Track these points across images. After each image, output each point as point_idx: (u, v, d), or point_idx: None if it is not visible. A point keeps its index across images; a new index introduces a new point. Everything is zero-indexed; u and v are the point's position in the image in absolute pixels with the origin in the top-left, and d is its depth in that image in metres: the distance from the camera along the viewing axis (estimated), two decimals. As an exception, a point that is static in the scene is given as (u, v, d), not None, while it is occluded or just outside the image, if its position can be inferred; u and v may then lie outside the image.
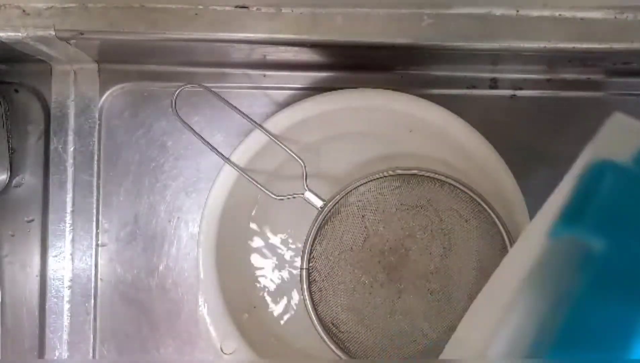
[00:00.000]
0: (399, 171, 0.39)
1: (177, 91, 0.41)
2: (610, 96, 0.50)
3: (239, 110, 0.41)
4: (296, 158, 0.40)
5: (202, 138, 0.41)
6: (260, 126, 0.41)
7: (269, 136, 0.41)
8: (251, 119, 0.41)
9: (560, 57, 0.44)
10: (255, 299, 0.47)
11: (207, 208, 0.43)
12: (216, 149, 0.41)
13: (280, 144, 0.40)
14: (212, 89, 0.41)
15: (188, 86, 0.41)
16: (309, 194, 0.40)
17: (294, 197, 0.40)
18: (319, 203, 0.40)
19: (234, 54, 0.47)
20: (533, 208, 0.49)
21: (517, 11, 0.41)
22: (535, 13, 0.41)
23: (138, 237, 0.49)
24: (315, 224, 0.39)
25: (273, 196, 0.40)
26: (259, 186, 0.40)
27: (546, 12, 0.41)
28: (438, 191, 0.41)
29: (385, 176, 0.39)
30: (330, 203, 0.39)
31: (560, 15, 0.41)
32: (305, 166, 0.40)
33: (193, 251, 0.49)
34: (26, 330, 0.49)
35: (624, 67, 0.47)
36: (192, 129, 0.41)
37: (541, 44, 0.41)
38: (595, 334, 0.22)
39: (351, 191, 0.39)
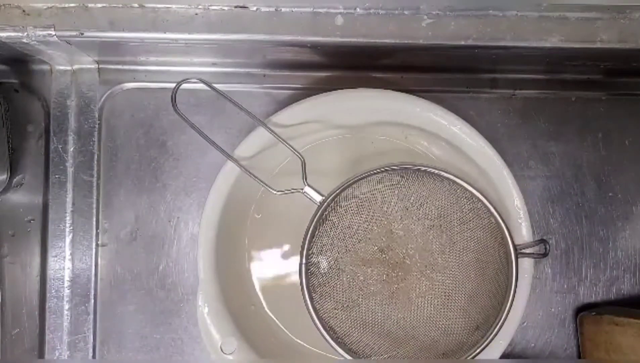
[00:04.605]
0: (398, 167, 0.39)
1: (177, 86, 0.40)
2: (610, 96, 0.50)
3: (240, 105, 0.41)
4: (295, 153, 0.40)
5: (201, 131, 0.41)
6: (261, 121, 0.41)
7: (269, 130, 0.41)
8: (252, 114, 0.41)
9: (560, 57, 0.44)
10: (255, 298, 0.47)
11: (207, 207, 0.43)
12: (216, 144, 0.41)
13: (281, 139, 0.40)
14: (212, 85, 0.41)
15: (187, 80, 0.41)
16: (308, 189, 0.40)
17: (292, 192, 0.40)
18: (318, 198, 0.40)
19: (234, 54, 0.47)
20: (533, 208, 0.49)
21: (517, 11, 0.41)
22: (535, 13, 0.41)
23: (138, 237, 0.49)
24: (315, 219, 0.39)
25: (273, 191, 0.40)
26: (258, 180, 0.40)
27: (546, 12, 0.41)
28: (437, 186, 0.41)
29: (384, 172, 0.39)
30: (330, 198, 0.39)
31: (560, 15, 0.41)
32: (304, 161, 0.40)
33: (193, 251, 0.49)
34: (26, 330, 0.49)
35: (624, 67, 0.47)
36: (192, 124, 0.41)
37: (541, 44, 0.41)
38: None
39: (350, 186, 0.39)
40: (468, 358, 0.39)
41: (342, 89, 0.44)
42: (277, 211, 0.47)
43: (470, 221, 0.41)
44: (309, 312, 0.39)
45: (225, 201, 0.43)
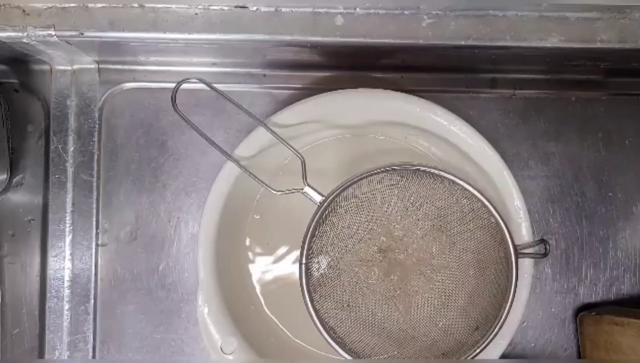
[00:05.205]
0: (398, 167, 0.39)
1: (177, 86, 0.40)
2: (610, 96, 0.50)
3: (240, 105, 0.41)
4: (295, 153, 0.40)
5: (201, 131, 0.41)
6: (261, 121, 0.41)
7: (269, 130, 0.41)
8: (252, 114, 0.41)
9: (560, 57, 0.44)
10: (255, 298, 0.47)
11: (207, 207, 0.43)
12: (216, 144, 0.41)
13: (281, 139, 0.40)
14: (212, 85, 0.41)
15: (187, 80, 0.41)
16: (308, 190, 0.40)
17: (292, 192, 0.40)
18: (318, 198, 0.40)
19: (234, 54, 0.47)
20: (533, 208, 0.49)
21: (517, 11, 0.41)
22: (535, 13, 0.41)
23: (138, 237, 0.49)
24: (314, 219, 0.39)
25: (273, 191, 0.40)
26: (258, 180, 0.40)
27: (546, 12, 0.41)
28: (437, 186, 0.41)
29: (384, 172, 0.39)
30: (330, 198, 0.39)
31: (560, 15, 0.41)
32: (304, 161, 0.40)
33: (193, 251, 0.49)
34: (26, 330, 0.49)
35: (624, 67, 0.47)
36: (192, 124, 0.41)
37: (541, 44, 0.41)
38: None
39: (350, 186, 0.39)
40: (468, 358, 0.39)
41: (342, 89, 0.44)
42: (277, 211, 0.47)
43: (470, 221, 0.41)
44: (309, 312, 0.39)
45: (225, 201, 0.43)
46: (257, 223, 0.47)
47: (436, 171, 0.39)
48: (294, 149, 0.40)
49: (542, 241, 0.39)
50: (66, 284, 0.49)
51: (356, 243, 0.42)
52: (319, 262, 0.40)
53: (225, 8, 0.41)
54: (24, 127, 0.50)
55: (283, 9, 0.41)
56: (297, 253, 0.39)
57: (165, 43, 0.43)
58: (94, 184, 0.49)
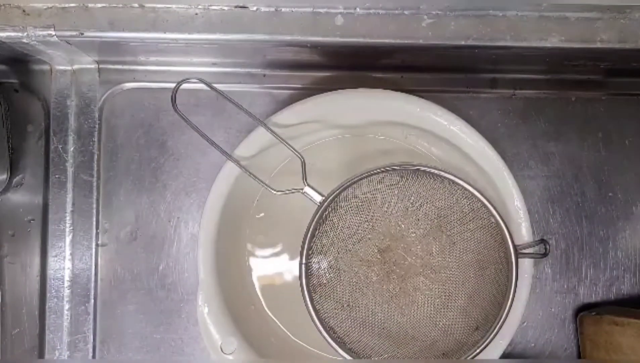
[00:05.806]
0: (398, 167, 0.39)
1: (177, 86, 0.41)
2: (610, 96, 0.50)
3: (240, 105, 0.41)
4: (295, 153, 0.40)
5: (201, 131, 0.41)
6: (261, 121, 0.41)
7: (269, 130, 0.41)
8: (252, 114, 0.41)
9: (560, 57, 0.44)
10: (255, 298, 0.47)
11: (207, 207, 0.43)
12: (216, 144, 0.41)
13: (281, 139, 0.40)
14: (212, 85, 0.41)
15: (187, 80, 0.41)
16: (308, 189, 0.40)
17: (292, 192, 0.40)
18: (318, 198, 0.40)
19: (234, 54, 0.47)
20: (533, 208, 0.49)
21: (517, 11, 0.41)
22: (535, 13, 0.41)
23: (138, 237, 0.49)
24: (315, 220, 0.39)
25: (273, 191, 0.40)
26: (258, 180, 0.40)
27: (546, 12, 0.41)
28: (437, 186, 0.41)
29: (384, 172, 0.39)
30: (330, 198, 0.39)
31: (560, 15, 0.41)
32: (304, 161, 0.40)
33: (193, 251, 0.49)
34: (26, 330, 0.49)
35: (624, 67, 0.47)
36: (192, 124, 0.41)
37: (541, 44, 0.41)
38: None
39: (351, 186, 0.39)
40: (468, 358, 0.39)
41: (342, 89, 0.44)
42: (277, 211, 0.47)
43: (470, 221, 0.41)
44: (309, 312, 0.39)
45: (225, 201, 0.43)
46: (257, 223, 0.47)
47: (436, 171, 0.39)
48: (294, 149, 0.40)
49: (542, 241, 0.39)
50: (66, 284, 0.49)
51: (356, 243, 0.42)
52: (319, 262, 0.40)
53: (225, 8, 0.41)
54: (24, 127, 0.50)
55: (283, 9, 0.41)
56: (297, 252, 0.39)
57: (165, 43, 0.43)
58: (94, 184, 0.49)
